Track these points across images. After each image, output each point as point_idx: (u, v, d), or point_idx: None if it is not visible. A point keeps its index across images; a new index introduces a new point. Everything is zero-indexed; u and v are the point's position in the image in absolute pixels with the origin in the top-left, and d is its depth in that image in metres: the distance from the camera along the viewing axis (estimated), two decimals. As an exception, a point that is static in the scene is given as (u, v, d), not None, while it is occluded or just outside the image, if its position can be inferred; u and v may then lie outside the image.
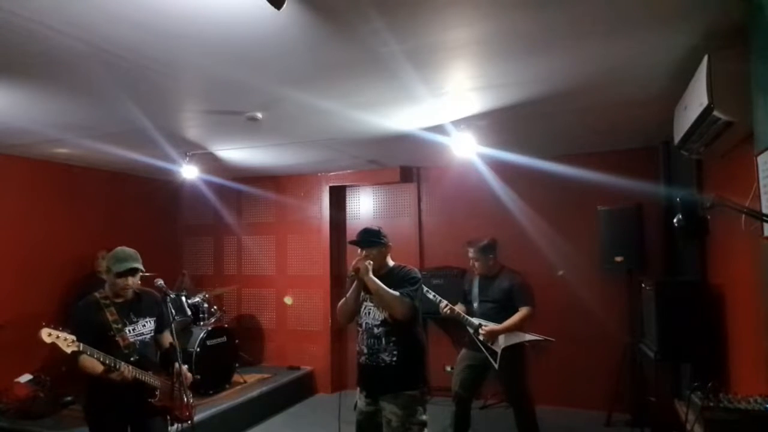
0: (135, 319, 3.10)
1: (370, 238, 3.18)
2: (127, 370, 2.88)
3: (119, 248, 3.09)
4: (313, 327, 6.56)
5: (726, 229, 3.30)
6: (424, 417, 3.05)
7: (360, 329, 3.21)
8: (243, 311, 6.98)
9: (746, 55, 2.33)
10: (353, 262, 3.14)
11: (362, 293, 3.16)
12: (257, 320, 6.90)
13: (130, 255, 3.05)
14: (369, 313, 3.15)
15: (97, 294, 3.08)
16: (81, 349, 2.75)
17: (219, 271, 7.10)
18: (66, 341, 2.72)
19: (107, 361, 2.82)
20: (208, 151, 5.09)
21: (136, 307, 3.13)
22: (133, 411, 3.02)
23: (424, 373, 3.18)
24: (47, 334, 2.71)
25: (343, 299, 3.22)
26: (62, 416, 4.66)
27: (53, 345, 2.71)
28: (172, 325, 3.26)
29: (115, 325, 2.98)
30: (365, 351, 3.14)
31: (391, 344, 3.06)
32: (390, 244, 3.24)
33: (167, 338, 3.26)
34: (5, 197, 5.09)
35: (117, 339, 2.96)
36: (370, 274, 3.05)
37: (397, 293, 3.03)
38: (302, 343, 6.59)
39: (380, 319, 3.10)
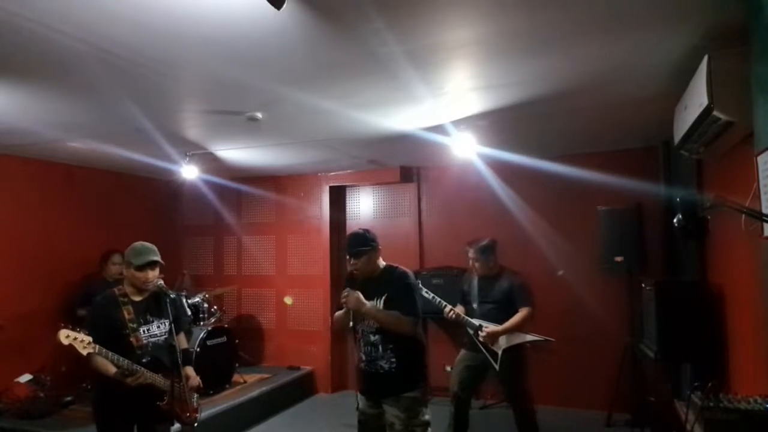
0: (150, 320, 3.09)
1: (357, 247, 3.06)
2: (144, 376, 2.88)
3: (137, 242, 3.10)
4: (313, 327, 6.56)
5: (726, 229, 3.30)
6: (426, 417, 3.03)
7: (357, 335, 3.15)
8: (243, 311, 6.97)
9: (746, 55, 2.33)
10: (342, 295, 3.06)
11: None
12: (257, 320, 6.90)
13: (150, 248, 3.07)
14: (363, 319, 3.08)
15: (115, 290, 3.08)
16: (97, 351, 2.77)
17: (219, 271, 7.10)
18: (83, 343, 2.74)
19: (125, 365, 2.83)
20: (208, 151, 5.09)
21: (153, 307, 3.13)
22: (142, 413, 3.02)
23: (425, 373, 3.13)
24: (65, 336, 2.73)
25: (337, 317, 3.19)
26: (62, 416, 4.66)
27: (70, 346, 2.73)
28: (173, 327, 3.24)
29: (130, 324, 2.98)
30: (363, 358, 3.10)
31: (389, 351, 3.01)
32: (379, 246, 3.14)
33: (180, 340, 3.27)
34: (5, 197, 5.09)
35: (131, 339, 2.96)
36: (366, 306, 3.00)
37: (398, 314, 2.97)
38: (302, 343, 6.59)
39: (375, 326, 3.04)
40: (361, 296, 3.02)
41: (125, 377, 2.84)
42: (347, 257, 3.12)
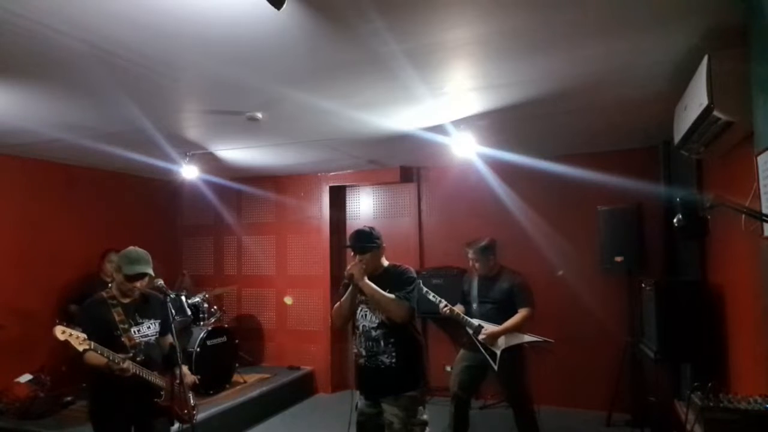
0: (140, 321, 3.11)
1: (363, 243, 3.09)
2: (131, 365, 2.88)
3: (131, 248, 3.09)
4: (313, 327, 6.56)
5: (726, 229, 3.30)
6: (425, 416, 3.05)
7: (357, 332, 3.15)
8: (243, 311, 6.97)
9: (746, 55, 2.34)
10: (347, 267, 3.11)
11: (358, 296, 3.12)
12: (257, 320, 6.90)
13: (142, 258, 3.05)
14: (365, 315, 3.11)
15: (104, 293, 3.09)
16: (92, 347, 2.78)
17: (219, 271, 7.10)
18: (78, 339, 2.76)
19: (110, 357, 2.83)
20: (208, 151, 5.09)
21: (142, 308, 3.14)
22: (138, 411, 3.03)
23: (424, 372, 3.16)
24: (61, 332, 2.76)
25: (338, 303, 3.17)
26: (62, 416, 4.66)
27: (65, 342, 2.75)
28: (173, 326, 3.26)
29: (121, 325, 3.00)
30: (364, 354, 3.10)
31: (390, 346, 3.03)
32: (383, 245, 3.17)
33: (169, 340, 3.27)
34: (5, 197, 5.09)
35: (123, 339, 2.98)
36: (365, 279, 3.03)
37: (393, 296, 3.00)
38: (302, 343, 6.59)
39: (377, 321, 3.06)
40: (365, 268, 3.05)
41: (115, 365, 2.84)
42: (352, 254, 3.13)
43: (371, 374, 3.10)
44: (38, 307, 5.15)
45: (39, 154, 5.21)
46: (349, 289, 3.10)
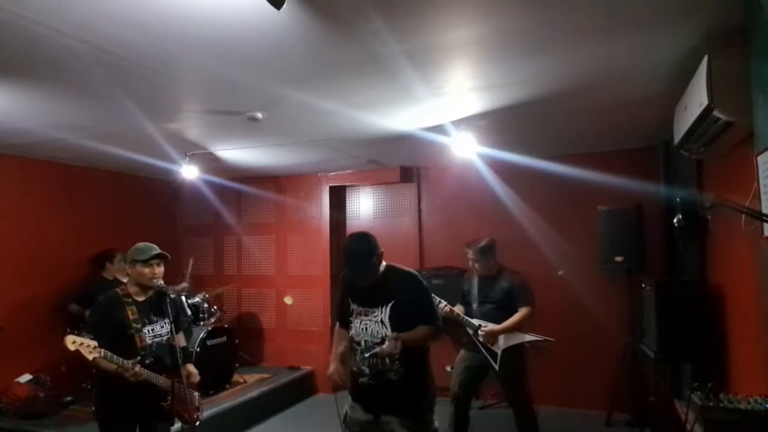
0: (154, 320, 3.11)
1: (366, 270, 2.69)
2: (141, 371, 2.90)
3: (139, 243, 3.15)
4: (313, 327, 6.56)
5: (726, 229, 3.30)
6: (436, 424, 2.85)
7: (357, 347, 2.80)
8: (243, 311, 6.98)
9: (746, 55, 2.33)
10: (385, 348, 2.64)
11: (356, 308, 2.82)
12: (257, 320, 6.90)
13: (152, 246, 3.12)
14: (366, 329, 2.76)
15: (119, 290, 3.09)
16: (102, 355, 2.80)
17: (219, 271, 7.10)
18: (89, 348, 2.78)
19: (120, 363, 2.84)
20: (208, 151, 5.09)
21: (156, 307, 3.14)
22: (144, 413, 3.03)
23: (432, 378, 2.93)
24: (72, 342, 2.78)
25: (337, 347, 3.00)
26: (62, 416, 4.66)
27: (76, 351, 2.78)
28: (172, 326, 3.26)
29: (134, 325, 2.99)
30: (367, 372, 2.75)
31: (397, 362, 2.68)
32: (382, 250, 2.76)
33: (179, 339, 3.27)
34: (5, 197, 5.09)
35: (135, 339, 2.97)
36: (399, 347, 2.62)
37: (424, 329, 2.75)
38: (302, 343, 6.59)
39: (381, 336, 2.71)
40: (395, 343, 2.63)
41: (126, 371, 2.86)
42: (355, 280, 2.80)
43: (376, 392, 2.78)
44: (38, 307, 5.16)
45: (39, 154, 5.21)
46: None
